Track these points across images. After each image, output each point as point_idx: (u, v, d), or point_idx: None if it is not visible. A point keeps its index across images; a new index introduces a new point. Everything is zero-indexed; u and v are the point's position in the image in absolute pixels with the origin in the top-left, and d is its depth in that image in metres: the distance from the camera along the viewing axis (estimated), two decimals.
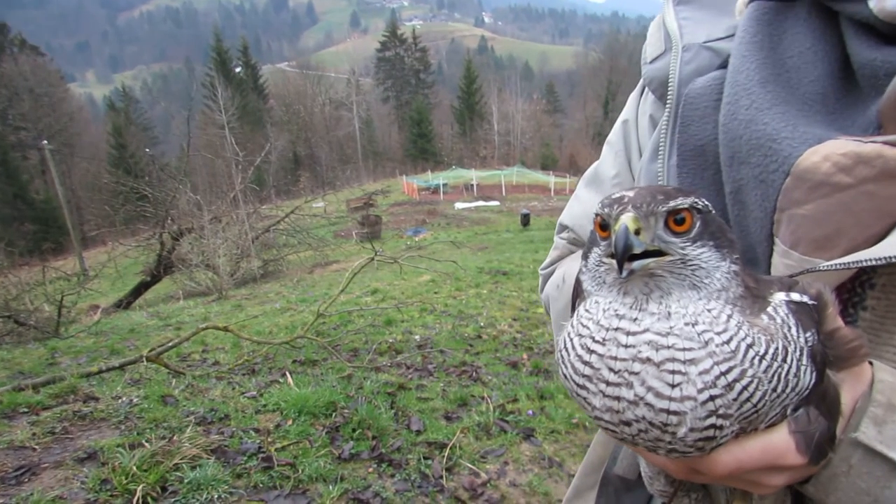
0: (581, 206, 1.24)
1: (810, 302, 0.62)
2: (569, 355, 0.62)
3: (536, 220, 31.64)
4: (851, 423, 0.61)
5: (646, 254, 0.57)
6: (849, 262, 0.64)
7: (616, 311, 0.58)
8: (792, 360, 0.57)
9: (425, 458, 4.03)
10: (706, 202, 0.60)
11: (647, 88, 1.09)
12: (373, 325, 8.08)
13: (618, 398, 0.56)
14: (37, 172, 57.87)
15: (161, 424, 4.15)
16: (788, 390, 0.57)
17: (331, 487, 3.56)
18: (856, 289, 0.71)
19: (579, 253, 1.25)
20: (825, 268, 0.66)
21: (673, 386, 0.54)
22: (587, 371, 0.59)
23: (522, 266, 14.44)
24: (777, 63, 0.80)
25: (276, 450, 3.87)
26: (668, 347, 0.54)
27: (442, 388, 5.40)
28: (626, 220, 0.56)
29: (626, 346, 0.56)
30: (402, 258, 9.20)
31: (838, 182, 0.66)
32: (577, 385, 0.60)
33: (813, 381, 0.59)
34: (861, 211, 0.65)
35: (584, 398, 0.60)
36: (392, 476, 3.81)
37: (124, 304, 15.58)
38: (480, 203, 42.40)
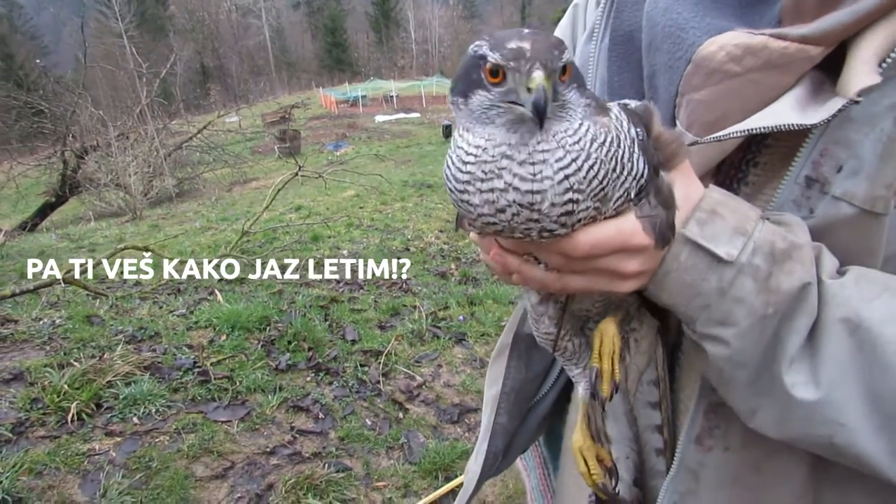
0: None
1: (639, 110, 0.74)
2: (450, 171, 0.71)
3: None
4: (682, 225, 0.73)
5: None
6: (719, 136, 0.74)
7: (508, 142, 0.67)
8: (625, 147, 0.68)
9: (362, 366, 4.15)
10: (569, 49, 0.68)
11: None
12: (299, 241, 7.98)
13: (491, 189, 0.66)
14: None
15: (89, 344, 4.06)
16: (626, 173, 0.68)
17: (270, 397, 3.64)
18: (741, 167, 0.81)
19: None
20: (706, 140, 0.75)
21: (534, 174, 0.65)
22: (464, 178, 0.68)
23: None
24: None
25: (211, 364, 3.89)
26: (531, 151, 0.65)
27: (374, 300, 5.48)
28: (540, 79, 0.61)
29: (499, 157, 0.66)
30: (326, 173, 9.00)
31: (728, 70, 0.74)
32: (459, 191, 0.70)
33: (646, 170, 0.70)
34: (746, 97, 0.74)
35: (467, 201, 0.69)
36: (330, 384, 3.91)
37: (29, 226, 14.65)
38: (401, 115, 41.70)
